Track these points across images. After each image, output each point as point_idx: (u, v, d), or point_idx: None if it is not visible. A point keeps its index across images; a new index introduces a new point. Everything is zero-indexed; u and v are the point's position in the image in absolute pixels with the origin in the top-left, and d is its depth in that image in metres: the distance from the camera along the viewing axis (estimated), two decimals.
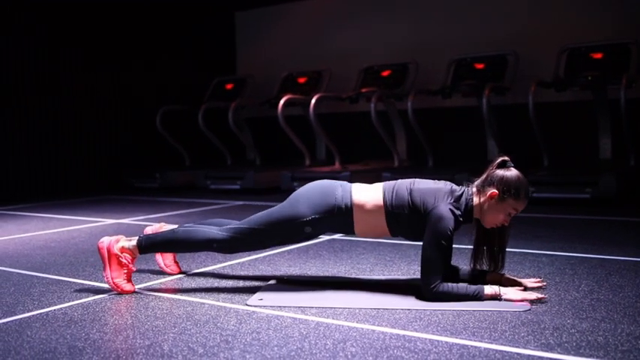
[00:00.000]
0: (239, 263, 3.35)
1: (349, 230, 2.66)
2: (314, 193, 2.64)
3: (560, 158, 6.49)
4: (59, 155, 7.57)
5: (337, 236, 4.11)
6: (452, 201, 2.50)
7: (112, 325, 2.30)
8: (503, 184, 2.48)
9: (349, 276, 3.01)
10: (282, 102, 6.91)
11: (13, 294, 2.76)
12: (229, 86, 8.26)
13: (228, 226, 2.71)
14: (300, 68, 7.98)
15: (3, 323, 2.34)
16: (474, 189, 2.57)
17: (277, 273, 3.10)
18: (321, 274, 3.06)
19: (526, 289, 2.60)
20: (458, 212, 2.48)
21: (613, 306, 2.39)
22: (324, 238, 4.05)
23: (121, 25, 8.18)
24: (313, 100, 6.78)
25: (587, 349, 1.94)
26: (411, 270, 3.09)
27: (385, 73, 7.23)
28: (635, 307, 2.37)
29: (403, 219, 2.56)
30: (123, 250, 2.72)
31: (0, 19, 7.04)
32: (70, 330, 2.23)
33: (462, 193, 2.56)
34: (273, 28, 8.91)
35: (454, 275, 2.66)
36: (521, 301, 2.42)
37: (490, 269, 2.66)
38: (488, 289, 2.46)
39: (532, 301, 2.42)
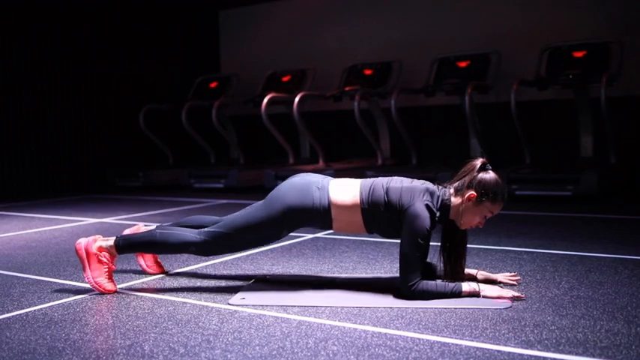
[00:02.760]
0: (221, 262, 3.34)
1: (327, 227, 2.67)
2: (291, 195, 2.61)
3: (542, 156, 6.54)
4: (41, 154, 7.50)
5: (320, 235, 4.12)
6: (429, 199, 2.51)
7: (93, 326, 2.28)
8: (481, 187, 2.51)
9: (332, 274, 3.02)
10: (265, 100, 6.90)
11: None
12: (213, 85, 8.23)
13: (205, 230, 2.69)
14: (284, 67, 7.97)
15: None
16: (452, 190, 2.59)
17: (260, 272, 3.10)
18: (304, 273, 3.06)
19: (500, 284, 2.66)
20: (434, 210, 2.50)
21: (592, 303, 2.41)
22: (307, 236, 4.05)
23: (103, 23, 8.12)
24: (297, 99, 6.78)
25: (567, 345, 1.96)
26: (393, 268, 3.10)
27: (369, 72, 7.24)
28: (614, 303, 2.40)
29: (379, 216, 2.56)
30: (101, 249, 2.70)
31: None
32: (50, 331, 2.21)
33: (439, 193, 2.57)
34: (257, 27, 8.89)
35: (432, 273, 2.68)
36: (498, 297, 2.44)
37: (451, 274, 2.66)
38: (466, 287, 2.48)
39: (510, 298, 2.44)
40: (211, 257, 3.44)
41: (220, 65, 9.28)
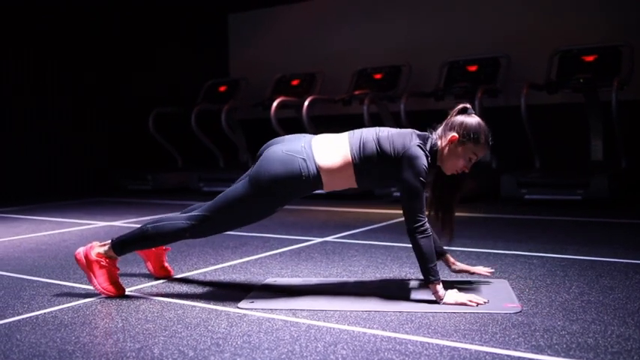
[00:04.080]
0: (230, 266, 3.34)
1: (318, 189, 2.63)
2: (276, 168, 2.53)
3: (552, 160, 6.51)
4: (51, 157, 7.54)
5: (329, 238, 4.11)
6: (419, 142, 2.53)
7: (103, 329, 2.29)
8: (463, 128, 2.53)
9: (341, 278, 3.01)
10: (275, 104, 6.91)
11: (3, 297, 2.75)
12: (222, 88, 8.25)
13: (193, 214, 2.65)
14: (293, 70, 7.97)
15: None
16: (436, 135, 2.60)
17: (269, 275, 3.10)
18: (313, 277, 3.06)
19: (472, 274, 2.75)
20: (426, 152, 2.52)
21: (603, 307, 2.40)
22: (315, 240, 4.05)
23: (114, 28, 8.17)
24: (306, 102, 6.78)
25: (578, 350, 1.95)
26: (402, 272, 3.09)
27: (378, 76, 7.24)
28: (625, 308, 2.38)
29: (373, 168, 2.54)
30: (100, 255, 2.70)
31: None
32: (60, 333, 2.22)
33: (427, 137, 2.58)
34: (267, 31, 8.91)
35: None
36: (455, 304, 2.43)
37: (439, 229, 2.69)
38: (440, 288, 2.45)
39: (468, 304, 2.42)
40: (220, 260, 3.44)
41: (229, 69, 9.30)
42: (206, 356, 1.97)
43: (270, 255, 3.61)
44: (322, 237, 4.16)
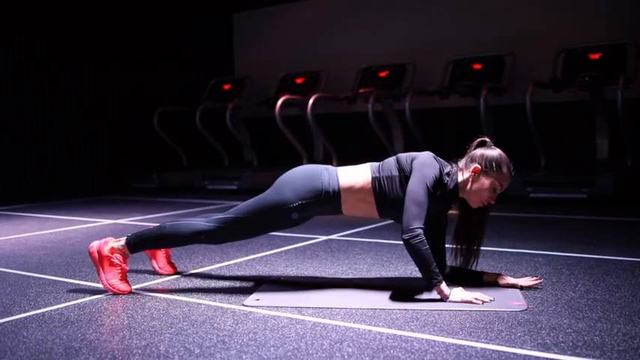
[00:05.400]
0: (235, 264, 3.35)
1: (336, 212, 2.66)
2: (299, 178, 2.62)
3: (558, 158, 6.50)
4: (56, 155, 7.56)
5: (334, 236, 4.11)
6: (437, 158, 2.57)
7: (109, 326, 2.30)
8: (484, 159, 2.54)
9: (346, 276, 3.01)
10: (279, 102, 6.91)
11: (10, 294, 2.76)
12: (227, 87, 8.26)
13: (215, 217, 2.69)
14: (297, 69, 7.98)
15: None
16: (457, 167, 2.61)
17: (274, 273, 3.10)
18: (318, 275, 3.06)
19: (522, 288, 2.63)
20: (441, 166, 2.54)
21: (609, 306, 2.39)
22: (321, 238, 4.05)
23: (119, 25, 8.18)
24: (311, 101, 6.78)
25: (584, 349, 1.94)
26: (408, 270, 3.09)
27: (383, 74, 7.23)
28: (632, 307, 2.38)
29: (391, 183, 2.55)
30: (113, 250, 2.72)
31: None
32: (67, 330, 2.23)
33: (448, 166, 2.60)
34: (271, 29, 8.92)
35: (440, 264, 2.65)
36: (461, 302, 2.41)
37: (464, 261, 2.67)
38: (444, 287, 2.44)
39: (475, 302, 2.41)
40: (225, 258, 3.45)
41: (234, 67, 9.31)
42: (212, 353, 1.97)
43: (275, 253, 3.61)
44: (327, 235, 4.16)
